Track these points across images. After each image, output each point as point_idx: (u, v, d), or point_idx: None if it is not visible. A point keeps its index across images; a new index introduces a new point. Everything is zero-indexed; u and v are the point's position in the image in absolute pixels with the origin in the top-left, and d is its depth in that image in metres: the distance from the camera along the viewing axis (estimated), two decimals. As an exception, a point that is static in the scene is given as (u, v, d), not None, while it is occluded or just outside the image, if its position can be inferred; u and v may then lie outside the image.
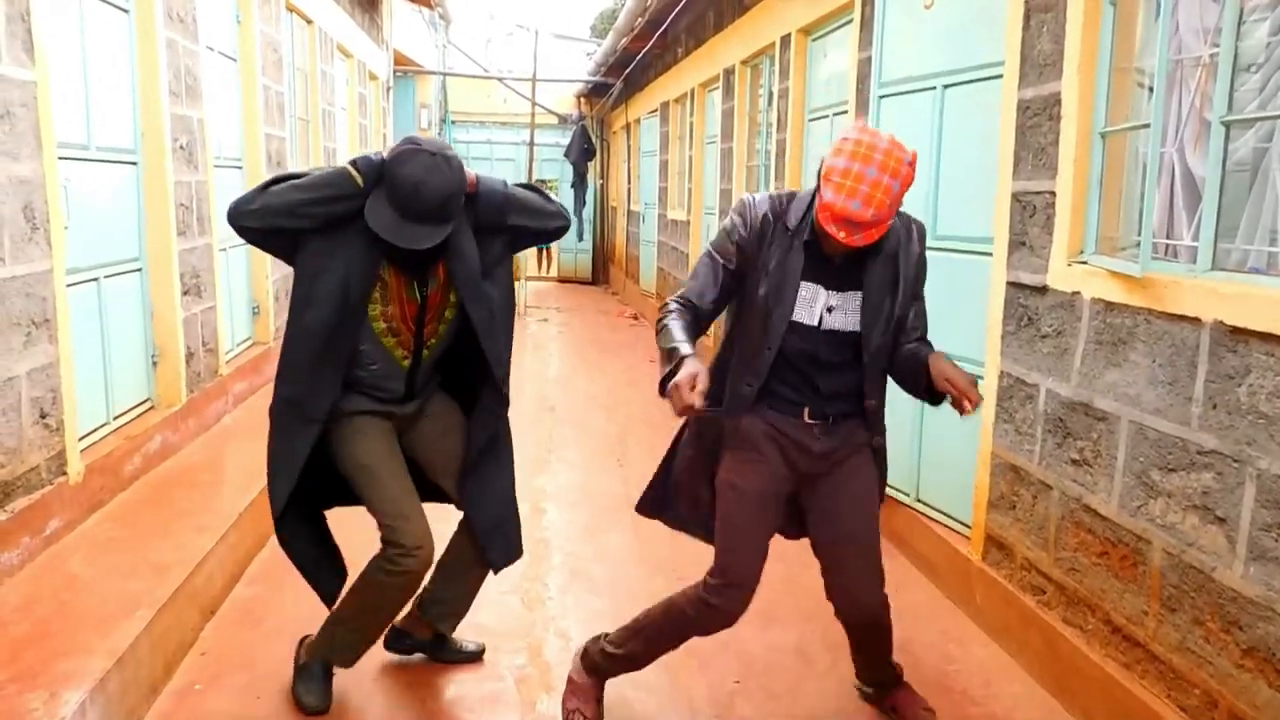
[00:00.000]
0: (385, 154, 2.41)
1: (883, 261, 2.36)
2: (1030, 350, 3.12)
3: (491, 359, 2.60)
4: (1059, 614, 2.96)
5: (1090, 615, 2.82)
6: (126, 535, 3.37)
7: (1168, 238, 2.71)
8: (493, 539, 2.71)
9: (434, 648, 2.99)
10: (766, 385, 2.40)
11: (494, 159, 15.42)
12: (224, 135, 5.53)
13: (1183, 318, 2.43)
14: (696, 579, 2.51)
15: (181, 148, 4.60)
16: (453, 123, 15.68)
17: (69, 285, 3.44)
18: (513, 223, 2.58)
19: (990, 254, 3.37)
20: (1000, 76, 3.34)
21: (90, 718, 2.35)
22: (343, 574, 2.75)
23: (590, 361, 8.86)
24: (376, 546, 2.59)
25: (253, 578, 3.61)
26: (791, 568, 3.86)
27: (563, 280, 16.23)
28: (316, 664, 2.73)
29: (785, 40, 6.23)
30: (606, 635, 2.68)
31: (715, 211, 8.26)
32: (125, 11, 4.14)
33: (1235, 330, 2.26)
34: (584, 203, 14.54)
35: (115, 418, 4.01)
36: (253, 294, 6.13)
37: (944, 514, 3.81)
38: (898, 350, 2.42)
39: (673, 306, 2.40)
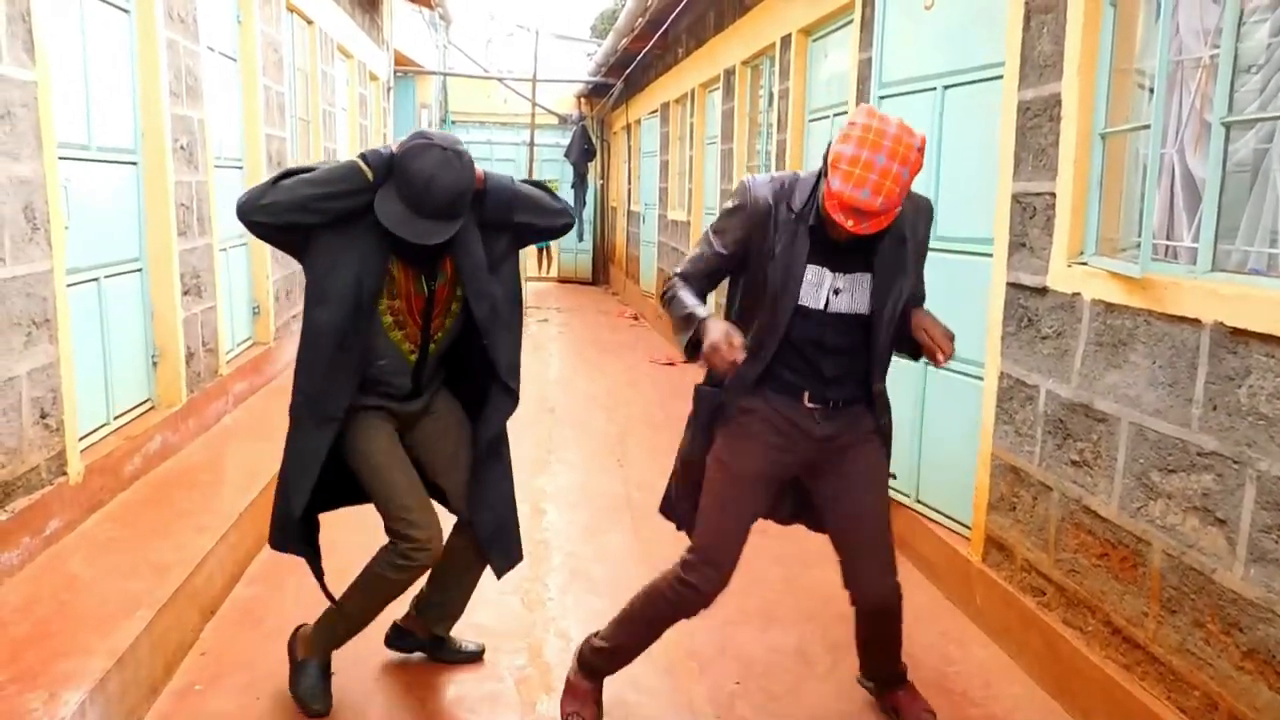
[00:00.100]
0: (394, 148, 2.40)
1: (892, 242, 2.33)
2: (1030, 351, 3.12)
3: (494, 355, 2.60)
4: (1059, 615, 2.96)
5: (1090, 617, 2.82)
6: (126, 535, 3.37)
7: (1168, 239, 2.71)
8: (494, 544, 2.71)
9: (434, 647, 2.99)
10: (769, 368, 2.39)
11: (494, 159, 15.41)
12: (224, 135, 5.53)
13: (1183, 319, 2.43)
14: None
15: (182, 148, 4.60)
16: (453, 123, 15.68)
17: (69, 285, 3.44)
18: (519, 220, 2.59)
19: (990, 255, 3.37)
20: (1000, 77, 3.34)
21: (90, 718, 2.35)
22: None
23: (590, 362, 8.86)
24: (375, 547, 2.59)
25: (253, 578, 3.61)
26: (791, 568, 3.87)
27: (563, 280, 16.23)
28: (314, 662, 2.73)
29: (786, 41, 6.23)
30: (597, 633, 2.68)
31: (715, 212, 8.25)
32: (126, 12, 4.14)
33: (1235, 331, 2.26)
34: (584, 203, 14.55)
35: (115, 418, 4.01)
36: (253, 294, 6.13)
37: (944, 515, 3.81)
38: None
39: (677, 281, 2.44)
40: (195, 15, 4.83)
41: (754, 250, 2.35)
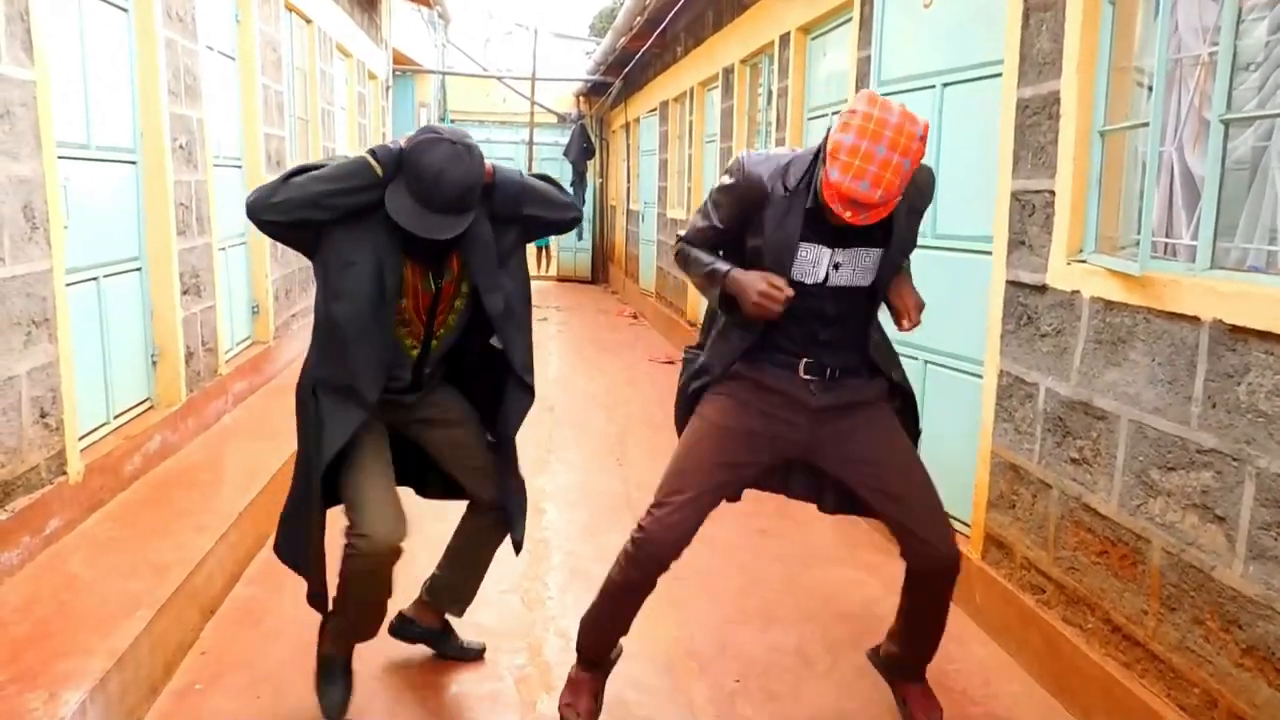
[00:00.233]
0: (403, 143, 2.40)
1: (907, 215, 2.31)
2: (1030, 349, 3.12)
3: (509, 351, 2.61)
4: (1058, 613, 2.96)
5: (1090, 614, 2.82)
6: (126, 535, 3.37)
7: (1167, 236, 2.71)
8: (516, 521, 2.77)
9: (437, 638, 2.99)
10: (763, 338, 2.37)
11: (493, 158, 15.08)
12: (223, 134, 5.53)
13: (1182, 316, 2.43)
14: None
15: (181, 147, 4.60)
16: (452, 122, 15.67)
17: (69, 285, 3.43)
18: (527, 212, 2.59)
19: (990, 253, 3.37)
20: (999, 75, 3.34)
21: (90, 718, 2.35)
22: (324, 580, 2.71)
23: (590, 361, 8.86)
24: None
25: (252, 577, 3.61)
26: (791, 568, 3.87)
27: (562, 279, 16.23)
28: (339, 659, 2.70)
29: (784, 39, 6.23)
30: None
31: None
32: (124, 11, 4.13)
33: (1234, 329, 2.27)
34: (583, 201, 14.55)
35: (115, 417, 4.01)
36: (252, 293, 6.13)
37: (944, 513, 3.81)
38: None
39: (684, 245, 2.47)
40: (194, 14, 4.83)
41: (749, 226, 2.33)
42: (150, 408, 4.36)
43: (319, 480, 2.48)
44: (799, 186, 2.27)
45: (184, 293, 4.62)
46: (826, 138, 2.17)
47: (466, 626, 3.07)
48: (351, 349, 2.44)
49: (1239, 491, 2.26)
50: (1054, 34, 3.00)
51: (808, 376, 2.37)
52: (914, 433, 2.57)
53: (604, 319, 11.82)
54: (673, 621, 3.26)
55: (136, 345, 4.28)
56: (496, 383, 2.70)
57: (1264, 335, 2.18)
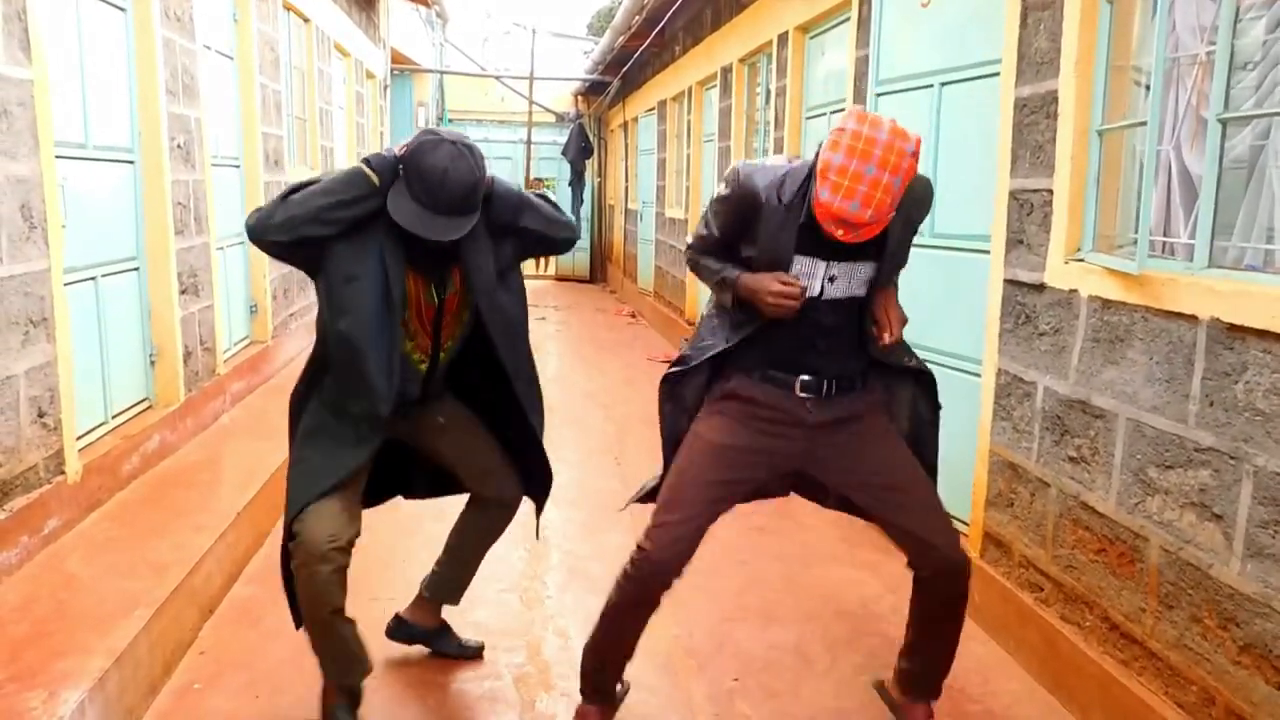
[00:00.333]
0: (398, 150, 2.38)
1: (902, 227, 2.31)
2: (1028, 348, 3.13)
3: (510, 368, 2.62)
4: (1057, 611, 2.97)
5: (1088, 612, 2.82)
6: (125, 534, 3.37)
7: (1165, 235, 2.72)
8: (534, 479, 2.88)
9: (435, 638, 2.99)
10: (759, 353, 2.37)
11: (491, 157, 15.03)
12: (221, 134, 5.52)
13: (1180, 315, 2.43)
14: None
15: (179, 146, 4.59)
16: (450, 121, 15.67)
17: (66, 284, 3.43)
18: (525, 224, 2.57)
19: (988, 252, 3.38)
20: (997, 74, 3.34)
21: (89, 717, 2.35)
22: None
23: (588, 360, 8.86)
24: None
25: (251, 577, 3.61)
26: (791, 567, 3.87)
27: (560, 279, 16.21)
28: (341, 706, 2.58)
29: (783, 38, 6.23)
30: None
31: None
32: (122, 10, 4.13)
33: (1232, 327, 2.27)
34: (581, 201, 14.54)
35: (113, 417, 4.01)
36: (250, 293, 6.13)
37: (942, 512, 3.82)
38: None
39: (692, 252, 2.49)
40: (192, 14, 4.82)
41: (745, 236, 2.33)
42: (148, 407, 4.36)
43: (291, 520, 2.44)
44: (794, 200, 2.26)
45: (182, 292, 4.61)
46: (816, 158, 2.16)
47: (465, 625, 3.08)
48: (361, 365, 2.41)
49: (1236, 490, 2.26)
50: (1052, 33, 3.00)
51: (804, 395, 2.36)
52: (935, 408, 2.54)
53: (602, 318, 11.82)
54: (672, 620, 3.26)
55: (134, 345, 4.28)
56: (490, 389, 2.72)
57: (1261, 334, 2.19)
